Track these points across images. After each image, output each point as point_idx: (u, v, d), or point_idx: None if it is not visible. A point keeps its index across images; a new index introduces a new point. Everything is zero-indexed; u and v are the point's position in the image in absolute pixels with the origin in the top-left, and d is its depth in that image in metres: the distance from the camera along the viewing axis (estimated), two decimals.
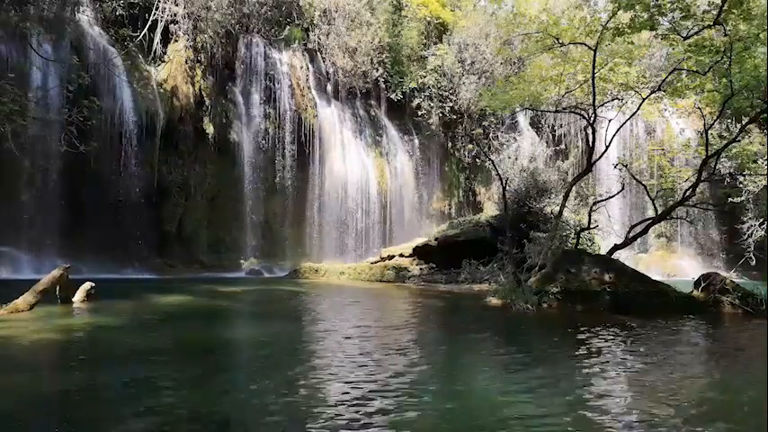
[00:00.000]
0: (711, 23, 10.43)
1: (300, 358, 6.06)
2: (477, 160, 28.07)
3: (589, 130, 13.69)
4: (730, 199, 19.06)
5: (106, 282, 12.75)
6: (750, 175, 17.01)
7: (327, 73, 25.95)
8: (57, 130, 15.37)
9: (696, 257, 27.54)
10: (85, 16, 19.48)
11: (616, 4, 10.85)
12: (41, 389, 4.58)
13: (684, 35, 11.06)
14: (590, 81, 12.50)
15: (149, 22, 20.55)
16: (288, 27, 25.34)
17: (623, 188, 15.33)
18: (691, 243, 28.17)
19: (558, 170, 22.16)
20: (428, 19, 28.37)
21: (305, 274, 19.16)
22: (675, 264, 26.96)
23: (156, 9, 20.66)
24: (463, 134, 27.99)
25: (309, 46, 25.58)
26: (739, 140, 14.50)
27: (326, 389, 4.71)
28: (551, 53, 13.37)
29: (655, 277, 12.75)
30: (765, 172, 16.21)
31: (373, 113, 27.43)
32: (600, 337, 7.70)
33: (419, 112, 27.80)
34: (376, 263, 19.84)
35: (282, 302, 12.11)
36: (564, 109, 15.58)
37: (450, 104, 27.47)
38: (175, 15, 21.17)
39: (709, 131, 13.20)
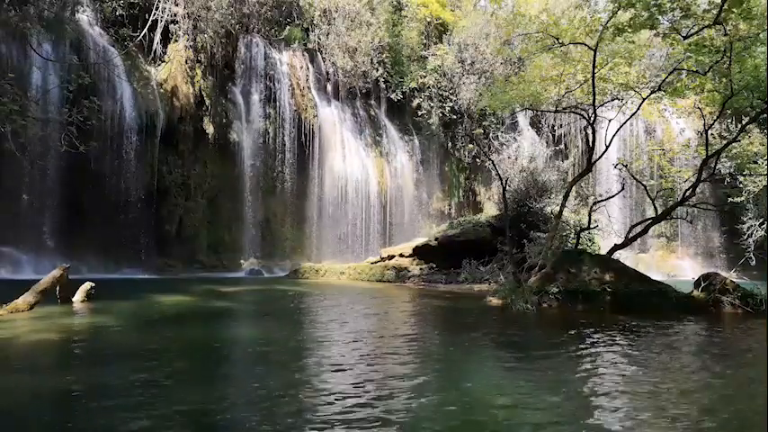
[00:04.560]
0: (711, 23, 10.42)
1: (300, 358, 6.06)
2: (477, 160, 28.07)
3: (589, 130, 13.71)
4: (730, 199, 19.09)
5: (106, 282, 12.76)
6: (750, 175, 17.03)
7: (327, 73, 25.95)
8: (57, 130, 15.36)
9: (696, 257, 27.56)
10: (85, 16, 19.49)
11: (616, 4, 10.85)
12: (41, 389, 4.58)
13: (684, 35, 11.05)
14: (590, 81, 12.49)
15: (149, 22, 20.55)
16: (288, 27, 25.35)
17: (623, 188, 15.32)
18: (691, 243, 28.20)
19: (558, 170, 22.15)
20: (428, 19, 28.38)
21: (305, 274, 19.16)
22: (675, 264, 26.99)
23: (156, 9, 20.66)
24: (463, 134, 27.99)
25: (309, 46, 25.58)
26: (739, 140, 14.52)
27: (326, 389, 4.71)
28: (551, 53, 13.34)
29: (655, 277, 12.75)
30: (765, 172, 16.22)
31: (373, 113, 27.43)
32: (600, 337, 7.70)
33: (419, 112, 27.80)
34: (376, 263, 19.85)
35: (282, 303, 12.11)
36: (564, 109, 15.56)
37: (451, 104, 27.48)
38: (175, 15, 21.18)
39: (709, 131, 13.20)
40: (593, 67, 12.07)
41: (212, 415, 4.00)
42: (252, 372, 5.57)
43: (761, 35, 10.42)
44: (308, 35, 25.70)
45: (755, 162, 16.54)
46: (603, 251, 15.19)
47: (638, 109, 13.71)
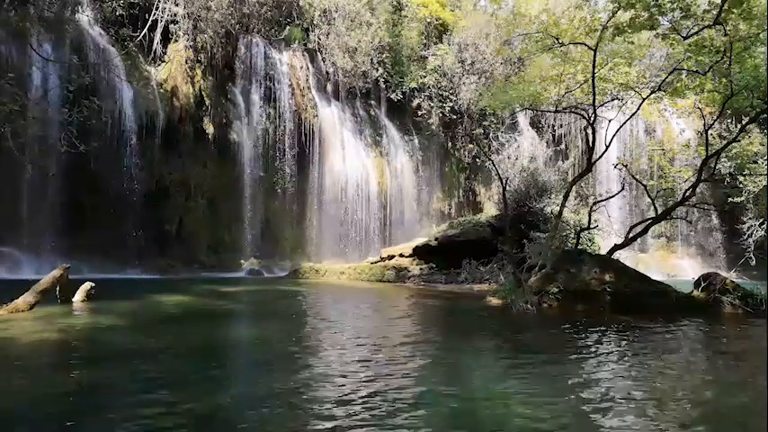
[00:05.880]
0: (711, 23, 10.43)
1: (300, 359, 6.06)
2: (477, 160, 28.07)
3: (589, 130, 13.68)
4: (730, 199, 19.08)
5: (106, 282, 12.75)
6: (750, 175, 17.02)
7: (327, 73, 25.94)
8: (57, 130, 15.36)
9: (696, 257, 27.55)
10: (85, 16, 19.48)
11: (616, 4, 10.85)
12: (41, 389, 4.58)
13: (684, 35, 11.05)
14: (590, 81, 12.49)
15: (149, 22, 20.54)
16: (288, 27, 25.34)
17: (623, 188, 15.33)
18: (691, 243, 28.19)
19: (558, 170, 22.16)
20: (428, 19, 28.38)
21: (305, 275, 19.16)
22: (675, 264, 26.99)
23: (156, 9, 20.65)
24: (463, 134, 27.99)
25: (309, 46, 25.57)
26: (739, 140, 14.51)
27: (327, 390, 4.71)
28: (551, 53, 13.35)
29: (655, 277, 12.75)
30: (765, 172, 16.22)
31: (373, 113, 27.42)
32: (600, 337, 7.70)
33: (419, 112, 27.80)
34: (376, 263, 19.84)
35: (282, 303, 12.11)
36: (564, 109, 15.55)
37: (451, 104, 27.47)
38: (175, 15, 21.16)
39: (709, 131, 13.20)
40: (593, 67, 12.07)
41: (212, 416, 4.00)
42: (252, 373, 5.57)
43: (761, 35, 10.42)
44: (308, 35, 25.69)
45: (755, 162, 16.54)
46: (603, 251, 15.19)
47: (638, 109, 13.71)
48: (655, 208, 13.87)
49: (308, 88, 24.79)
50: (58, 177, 17.21)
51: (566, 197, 13.72)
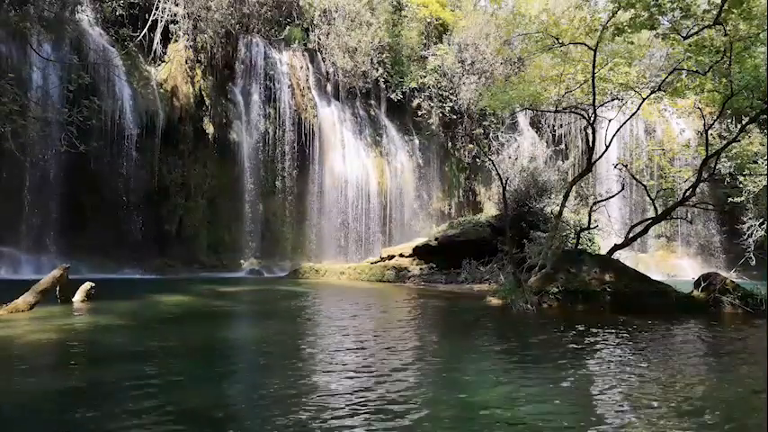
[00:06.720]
0: (711, 23, 10.43)
1: (300, 360, 6.06)
2: (477, 160, 28.06)
3: (589, 130, 13.69)
4: (730, 199, 19.10)
5: (106, 282, 12.76)
6: (750, 175, 17.04)
7: (327, 73, 25.93)
8: (57, 130, 15.36)
9: (696, 257, 27.56)
10: (85, 16, 19.46)
11: (616, 4, 10.85)
12: (41, 389, 4.58)
13: (684, 35, 11.06)
14: (590, 81, 12.50)
15: (149, 22, 20.54)
16: (288, 27, 25.34)
17: (623, 188, 15.34)
18: (691, 243, 28.20)
19: (558, 170, 22.16)
20: (428, 19, 28.37)
21: (305, 275, 19.16)
22: (675, 264, 26.99)
23: (156, 9, 20.66)
24: (463, 134, 27.98)
25: (309, 46, 25.57)
26: (739, 140, 14.52)
27: (327, 391, 4.71)
28: (551, 53, 13.36)
29: (655, 277, 12.76)
30: (765, 172, 16.23)
31: (373, 113, 27.42)
32: (600, 337, 7.70)
33: (419, 112, 27.79)
34: (376, 263, 19.84)
35: (282, 303, 12.10)
36: (564, 109, 15.56)
37: (451, 104, 27.46)
38: (175, 15, 21.16)
39: (709, 131, 13.21)
40: (593, 67, 12.08)
41: (212, 416, 4.00)
42: (252, 373, 5.57)
43: (761, 35, 10.42)
44: (308, 35, 25.69)
45: (755, 162, 16.56)
46: (603, 251, 15.19)
47: (638, 109, 13.72)
48: (655, 208, 13.87)
49: (308, 88, 24.79)
50: (57, 177, 17.22)
51: (566, 197, 13.72)
